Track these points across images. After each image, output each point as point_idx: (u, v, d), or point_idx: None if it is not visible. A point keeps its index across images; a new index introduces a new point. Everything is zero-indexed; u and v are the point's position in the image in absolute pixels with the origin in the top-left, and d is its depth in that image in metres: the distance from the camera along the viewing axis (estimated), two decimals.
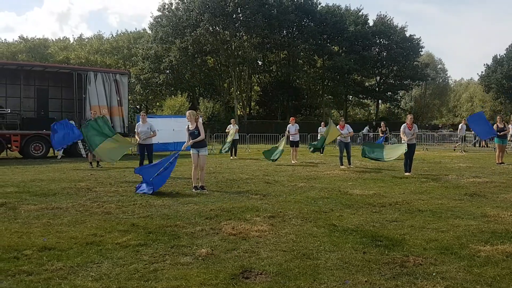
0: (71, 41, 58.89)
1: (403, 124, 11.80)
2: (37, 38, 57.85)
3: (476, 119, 15.22)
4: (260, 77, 50.27)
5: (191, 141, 8.61)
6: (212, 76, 45.69)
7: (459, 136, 25.04)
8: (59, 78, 20.11)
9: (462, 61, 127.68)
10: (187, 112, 9.04)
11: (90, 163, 13.66)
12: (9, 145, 16.91)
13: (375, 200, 7.65)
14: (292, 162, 15.40)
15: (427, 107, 65.35)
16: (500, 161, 14.42)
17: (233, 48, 40.48)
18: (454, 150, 23.72)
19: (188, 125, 8.77)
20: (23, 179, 10.28)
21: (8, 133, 16.81)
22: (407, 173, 11.53)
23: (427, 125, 54.75)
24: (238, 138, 19.19)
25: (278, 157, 15.01)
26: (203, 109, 37.86)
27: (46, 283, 3.63)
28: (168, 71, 41.86)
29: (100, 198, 7.75)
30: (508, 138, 18.80)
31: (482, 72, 57.48)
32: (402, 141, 11.77)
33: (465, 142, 25.59)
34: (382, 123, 20.60)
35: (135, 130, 11.31)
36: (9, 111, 17.41)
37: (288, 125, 16.00)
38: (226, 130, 18.93)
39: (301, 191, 8.71)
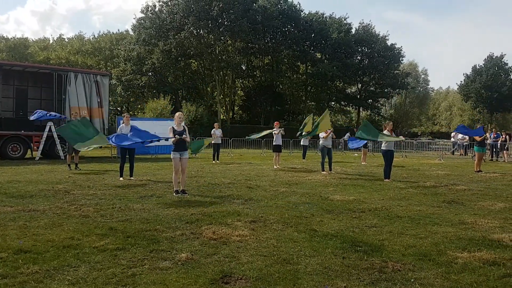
0: (51, 41, 57.92)
1: (384, 131, 11.97)
2: (17, 38, 56.73)
3: (461, 130, 16.04)
4: (244, 81, 50.29)
5: (177, 137, 8.57)
6: (196, 80, 45.48)
7: (452, 142, 26.54)
8: (39, 78, 19.75)
9: (442, 70, 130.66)
10: (178, 113, 9.05)
11: (69, 165, 13.42)
12: None
13: (355, 205, 7.72)
14: (275, 167, 15.43)
15: (407, 115, 66.40)
16: (478, 169, 14.73)
17: (217, 52, 40.42)
18: (453, 153, 24.98)
19: (173, 126, 8.74)
20: None
21: None
22: (386, 180, 11.68)
23: (406, 132, 55.62)
24: (220, 142, 19.15)
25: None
26: (186, 112, 37.61)
27: (21, 286, 3.56)
28: (150, 73, 41.47)
29: (78, 201, 7.61)
30: (487, 147, 19.30)
31: (461, 81, 58.86)
32: (386, 146, 11.89)
33: (444, 151, 26.09)
34: None
35: (117, 131, 11.13)
36: None
37: (274, 130, 16.02)
38: (212, 135, 18.84)
39: (283, 196, 8.73)
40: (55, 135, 17.23)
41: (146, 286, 3.65)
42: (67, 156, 13.80)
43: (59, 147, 17.38)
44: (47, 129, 17.07)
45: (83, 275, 3.86)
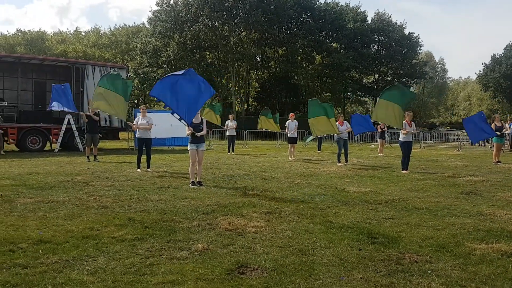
0: (68, 34, 58.59)
1: (403, 122, 11.81)
2: (34, 31, 57.55)
3: (473, 120, 14.36)
4: (259, 73, 50.17)
5: (192, 131, 8.61)
6: (211, 72, 45.53)
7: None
8: (57, 72, 20.02)
9: (461, 59, 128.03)
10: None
11: (87, 157, 13.62)
12: (6, 138, 16.85)
13: (371, 197, 7.67)
14: (290, 158, 15.41)
15: (425, 106, 65.46)
16: (497, 160, 14.46)
17: (232, 43, 40.37)
18: (472, 144, 24.77)
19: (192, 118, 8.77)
20: (19, 172, 10.25)
21: (5, 126, 16.75)
22: (404, 171, 11.56)
23: (424, 123, 54.87)
24: (235, 134, 19.19)
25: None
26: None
27: (41, 276, 3.63)
28: (166, 66, 41.68)
29: (96, 192, 7.74)
30: (506, 138, 18.89)
31: (480, 71, 57.66)
32: (403, 137, 11.69)
33: (462, 141, 25.69)
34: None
35: (134, 123, 11.23)
36: (6, 104, 17.33)
37: (288, 121, 15.96)
38: (225, 126, 18.92)
39: (298, 187, 8.72)
40: (73, 128, 17.50)
41: (164, 275, 3.70)
42: (86, 148, 14.01)
43: (77, 139, 17.64)
44: (65, 121, 17.34)
45: (102, 265, 3.93)
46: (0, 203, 6.57)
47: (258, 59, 46.90)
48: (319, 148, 20.97)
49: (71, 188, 8.09)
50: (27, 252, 4.23)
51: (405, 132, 11.56)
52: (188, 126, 8.64)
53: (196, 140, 8.78)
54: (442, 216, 6.16)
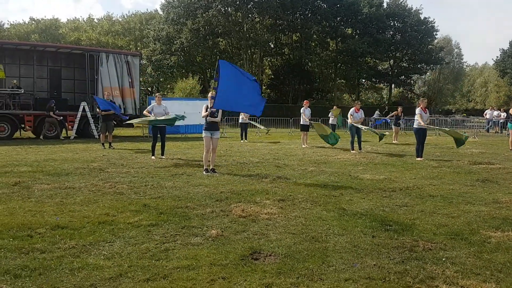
0: (81, 22, 58.82)
1: (418, 108, 11.65)
2: (48, 19, 57.87)
3: None
4: (272, 60, 49.81)
5: (208, 115, 8.68)
6: (224, 59, 45.33)
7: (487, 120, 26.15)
8: (72, 59, 20.21)
9: (477, 45, 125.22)
10: (212, 93, 9.03)
11: (103, 144, 13.79)
12: (23, 125, 17.12)
13: (385, 185, 7.63)
14: (303, 146, 15.37)
15: (441, 92, 64.35)
16: None
17: (245, 30, 40.10)
18: (488, 131, 24.79)
19: (208, 105, 8.77)
20: (36, 159, 10.43)
21: (22, 113, 17.01)
22: (418, 158, 11.45)
23: (440, 110, 54.05)
24: (248, 121, 19.17)
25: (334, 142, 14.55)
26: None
27: (59, 261, 3.71)
28: (179, 53, 41.67)
29: (112, 178, 7.84)
30: None
31: (497, 56, 56.30)
32: (419, 124, 11.55)
33: (478, 128, 25.32)
34: (399, 108, 20.08)
35: (148, 110, 11.23)
36: (22, 91, 17.57)
37: (302, 108, 15.83)
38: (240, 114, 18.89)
39: (311, 175, 8.72)
40: (88, 115, 17.68)
41: (179, 261, 3.76)
42: (101, 135, 14.17)
43: (93, 126, 17.84)
44: (81, 108, 17.53)
45: (118, 250, 4.00)
46: (18, 189, 6.72)
47: (272, 46, 46.52)
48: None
49: (87, 175, 8.21)
50: (45, 237, 4.33)
51: (422, 122, 11.39)
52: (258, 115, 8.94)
53: (211, 127, 8.80)
54: (457, 204, 6.11)
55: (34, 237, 4.32)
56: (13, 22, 59.29)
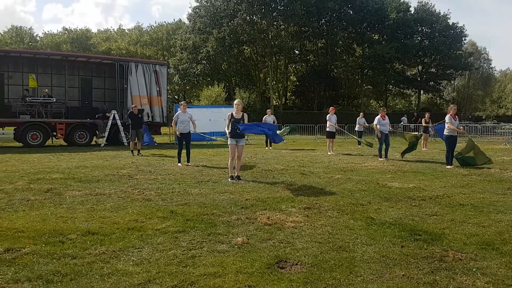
0: (112, 32, 60.47)
1: (448, 115, 11.40)
2: (79, 29, 59.77)
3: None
4: (297, 66, 49.79)
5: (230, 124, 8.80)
6: (248, 66, 45.70)
7: None
8: (102, 69, 20.75)
9: (509, 50, 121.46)
10: (238, 100, 9.12)
11: (132, 151, 14.06)
12: (55, 133, 17.66)
13: (414, 193, 7.48)
14: (329, 153, 15.26)
15: (470, 98, 62.72)
16: None
17: (270, 37, 40.28)
18: None
19: (233, 113, 8.83)
20: (68, 166, 10.73)
21: (54, 121, 17.55)
22: (448, 166, 11.19)
23: (470, 116, 52.63)
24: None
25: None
26: (239, 98, 38.14)
27: (89, 266, 3.80)
28: (205, 62, 42.21)
29: (140, 185, 7.99)
30: None
31: None
32: (449, 131, 11.29)
33: (510, 135, 24.53)
34: (426, 114, 19.79)
35: (174, 119, 11.42)
36: (54, 100, 18.14)
37: (328, 115, 15.74)
38: (263, 120, 18.94)
39: (338, 183, 8.63)
40: (119, 123, 18.09)
41: (205, 268, 3.79)
42: (130, 142, 14.46)
43: (122, 134, 18.23)
44: (111, 117, 17.95)
45: (146, 256, 4.07)
46: (50, 195, 6.92)
47: (297, 52, 46.54)
48: (359, 143, 20.62)
49: (116, 181, 8.39)
50: (76, 243, 4.43)
51: (452, 127, 11.14)
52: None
53: (236, 135, 8.84)
54: (488, 213, 5.93)
55: (65, 243, 4.44)
56: (48, 31, 61.44)
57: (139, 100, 18.09)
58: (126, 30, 60.18)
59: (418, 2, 48.52)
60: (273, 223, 5.27)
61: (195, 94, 48.29)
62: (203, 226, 5.11)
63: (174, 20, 61.23)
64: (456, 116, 11.48)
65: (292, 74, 51.02)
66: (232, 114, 8.86)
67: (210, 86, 39.28)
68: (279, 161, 12.51)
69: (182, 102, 12.14)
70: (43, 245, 4.35)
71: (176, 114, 11.61)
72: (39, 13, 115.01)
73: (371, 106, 56.18)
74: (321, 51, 46.39)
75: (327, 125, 15.70)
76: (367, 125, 20.85)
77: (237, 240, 4.56)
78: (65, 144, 18.34)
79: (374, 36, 45.87)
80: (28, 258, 3.97)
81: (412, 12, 45.38)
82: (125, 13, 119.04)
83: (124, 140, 18.18)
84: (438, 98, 54.08)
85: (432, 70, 48.81)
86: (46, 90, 18.45)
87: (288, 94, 51.32)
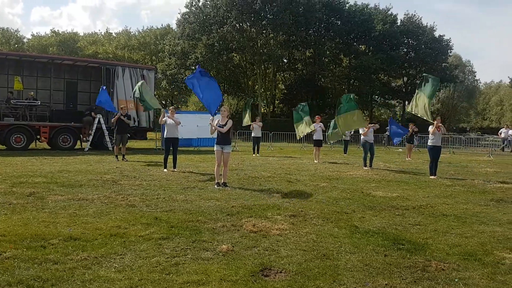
0: (99, 36, 60.09)
1: (431, 126, 11.57)
2: (67, 32, 59.28)
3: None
4: (285, 75, 50.08)
5: (215, 127, 8.81)
6: (237, 73, 45.79)
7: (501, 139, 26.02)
8: (88, 72, 20.55)
9: (493, 63, 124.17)
10: (224, 107, 9.17)
11: (116, 156, 13.93)
12: (38, 136, 17.40)
13: (398, 202, 7.56)
14: (315, 161, 15.33)
15: (455, 110, 63.80)
16: None
17: (259, 45, 40.47)
18: (503, 150, 24.72)
19: (219, 120, 8.87)
20: (51, 170, 10.57)
21: (38, 124, 17.30)
22: (432, 176, 11.33)
23: (454, 128, 53.50)
24: (260, 135, 19.23)
25: None
26: (227, 105, 38.06)
27: (71, 272, 3.74)
28: (194, 67, 42.14)
29: (124, 191, 7.91)
30: None
31: None
32: (432, 142, 11.54)
33: (493, 147, 25.00)
34: (410, 124, 20.05)
35: (161, 120, 11.30)
36: (39, 103, 17.89)
37: (314, 124, 15.93)
38: (251, 128, 18.97)
39: (323, 191, 8.68)
40: (103, 127, 17.91)
41: (189, 275, 3.76)
42: (115, 147, 14.33)
43: (107, 138, 18.04)
44: (96, 121, 17.77)
45: (129, 263, 4.02)
46: (33, 199, 6.81)
47: (285, 61, 46.83)
48: (345, 151, 20.79)
49: (100, 187, 8.29)
50: (58, 248, 4.37)
51: (432, 131, 11.43)
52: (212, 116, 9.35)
53: (221, 141, 8.84)
54: (470, 224, 6.01)
55: (47, 248, 4.37)
56: (36, 34, 60.84)
57: (125, 104, 17.92)
58: (114, 34, 59.88)
59: (405, 14, 49.35)
60: (258, 231, 5.26)
61: (183, 99, 48.15)
62: (187, 233, 5.07)
63: (162, 25, 61.23)
64: (441, 127, 11.59)
65: (281, 82, 51.27)
66: (218, 120, 8.90)
67: None
68: (265, 168, 12.52)
69: (171, 107, 12.09)
70: (25, 249, 4.28)
71: (164, 119, 11.45)
72: (27, 16, 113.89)
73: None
74: (309, 60, 46.77)
75: (314, 133, 15.86)
76: (352, 133, 21.03)
77: (222, 247, 4.54)
78: (49, 147, 18.08)
79: (361, 47, 46.43)
80: (9, 262, 3.90)
81: (398, 24, 46.08)
82: (114, 17, 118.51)
83: (109, 145, 17.99)
84: None
85: (417, 81, 49.40)
86: (32, 93, 18.20)
87: (276, 102, 51.51)
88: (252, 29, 39.37)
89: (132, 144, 21.88)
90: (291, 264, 4.12)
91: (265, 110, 44.94)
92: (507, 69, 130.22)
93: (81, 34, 61.23)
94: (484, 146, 27.45)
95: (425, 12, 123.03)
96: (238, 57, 44.44)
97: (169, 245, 4.60)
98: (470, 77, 66.70)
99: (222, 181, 8.82)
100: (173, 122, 11.18)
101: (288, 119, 42.66)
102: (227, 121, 8.92)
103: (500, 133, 28.44)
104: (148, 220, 5.64)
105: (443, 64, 47.62)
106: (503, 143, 27.48)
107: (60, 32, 59.00)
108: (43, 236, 4.73)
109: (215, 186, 8.66)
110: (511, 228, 5.81)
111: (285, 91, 50.14)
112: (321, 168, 13.13)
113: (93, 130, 17.76)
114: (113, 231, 5.06)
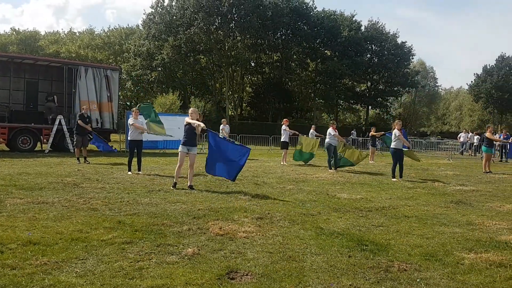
0: (62, 35, 58.37)
1: (395, 130, 11.89)
2: (28, 31, 57.24)
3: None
4: (253, 78, 50.30)
5: (197, 123, 8.64)
6: (205, 76, 45.59)
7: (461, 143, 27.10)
8: (50, 72, 19.88)
9: (453, 69, 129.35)
10: (192, 109, 9.05)
11: (77, 158, 13.53)
12: None
13: (362, 204, 7.71)
14: (282, 163, 15.44)
15: (416, 114, 65.95)
16: (487, 170, 14.61)
17: (226, 48, 40.44)
18: (462, 154, 25.69)
19: (189, 121, 8.76)
20: (9, 172, 10.15)
21: None
22: (394, 179, 11.64)
23: (415, 132, 55.29)
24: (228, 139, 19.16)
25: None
26: (194, 107, 37.84)
27: (29, 277, 3.60)
28: (160, 69, 41.60)
29: (86, 194, 7.68)
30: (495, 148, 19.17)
31: (472, 81, 58.26)
32: (396, 144, 11.87)
33: (453, 151, 25.97)
34: (372, 128, 20.62)
35: (128, 122, 11.12)
36: None
37: (283, 127, 16.17)
38: (220, 131, 18.87)
39: (290, 193, 8.74)
40: (64, 129, 17.37)
41: (153, 280, 3.69)
42: (76, 149, 13.91)
43: (68, 140, 17.50)
44: (57, 122, 17.21)
45: (91, 268, 3.90)
46: None
47: (253, 64, 47.00)
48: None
49: (61, 190, 8.02)
50: (16, 253, 4.20)
51: (405, 142, 11.89)
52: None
53: (188, 143, 8.74)
54: (431, 225, 6.21)
55: (5, 253, 4.19)
56: None
57: (88, 105, 17.44)
58: (77, 33, 58.30)
59: (369, 20, 50.71)
60: (225, 233, 5.23)
61: (148, 101, 47.33)
62: (152, 237, 4.98)
63: (128, 25, 60.11)
64: (401, 131, 11.98)
65: (248, 85, 51.41)
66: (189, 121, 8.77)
67: (164, 94, 38.68)
68: None
69: (134, 109, 11.86)
70: None
71: (130, 119, 11.24)
72: None
73: (323, 119, 57.63)
74: (276, 64, 47.16)
75: (282, 136, 16.08)
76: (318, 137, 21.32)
77: (188, 251, 4.48)
78: (7, 149, 17.35)
79: (327, 52, 47.25)
80: None
81: (363, 30, 47.20)
82: (78, 16, 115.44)
83: (70, 147, 17.45)
84: (385, 114, 56.36)
85: (380, 86, 50.91)
86: None
87: (244, 105, 51.60)
88: (220, 32, 39.30)
89: (94, 146, 21.29)
90: (257, 266, 4.12)
91: (232, 113, 44.90)
92: (466, 76, 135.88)
93: (43, 33, 59.32)
94: (444, 150, 28.52)
95: (388, 19, 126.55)
96: (205, 59, 44.24)
97: (133, 249, 4.50)
98: (431, 83, 69.23)
99: (189, 184, 8.73)
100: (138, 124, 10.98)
101: (255, 122, 42.97)
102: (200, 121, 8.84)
103: (459, 137, 29.58)
104: (111, 224, 5.49)
105: (405, 69, 49.18)
106: (462, 147, 28.62)
107: (21, 31, 56.90)
108: (0, 241, 4.53)
109: (172, 187, 8.60)
110: (470, 229, 6.04)
111: (253, 94, 50.32)
112: (288, 171, 13.23)
113: (54, 132, 17.19)
114: (74, 235, 4.90)
